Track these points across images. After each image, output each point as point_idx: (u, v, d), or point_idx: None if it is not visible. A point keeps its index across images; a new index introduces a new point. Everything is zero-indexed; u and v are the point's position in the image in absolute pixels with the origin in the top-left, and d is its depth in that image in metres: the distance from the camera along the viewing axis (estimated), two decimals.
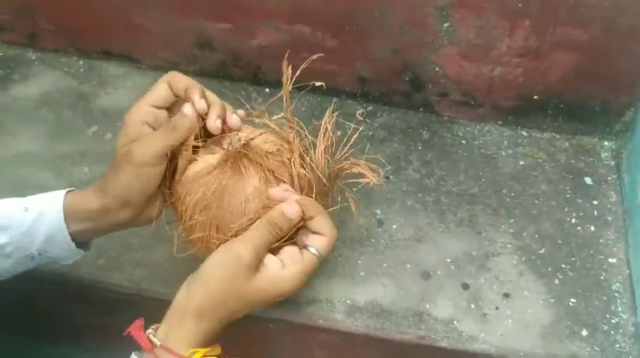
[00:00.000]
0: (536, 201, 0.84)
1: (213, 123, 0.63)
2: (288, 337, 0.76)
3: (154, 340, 0.58)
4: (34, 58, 0.99)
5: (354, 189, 0.71)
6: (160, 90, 0.64)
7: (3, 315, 0.86)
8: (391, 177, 0.86)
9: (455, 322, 0.72)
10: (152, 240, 0.77)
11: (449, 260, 0.77)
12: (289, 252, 0.62)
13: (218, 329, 0.60)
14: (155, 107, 0.63)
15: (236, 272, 0.59)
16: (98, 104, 0.93)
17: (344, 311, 0.72)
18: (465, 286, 0.75)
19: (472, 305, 0.73)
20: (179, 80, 0.63)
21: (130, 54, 0.98)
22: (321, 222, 0.63)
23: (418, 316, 0.72)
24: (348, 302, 0.73)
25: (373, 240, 0.79)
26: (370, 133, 0.91)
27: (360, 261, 0.77)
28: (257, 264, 0.60)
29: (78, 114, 0.91)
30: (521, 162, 0.88)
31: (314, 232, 0.63)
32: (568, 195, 0.85)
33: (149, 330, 0.59)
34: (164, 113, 0.64)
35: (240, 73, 0.95)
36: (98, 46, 0.98)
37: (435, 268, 0.76)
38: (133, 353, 0.59)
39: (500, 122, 0.92)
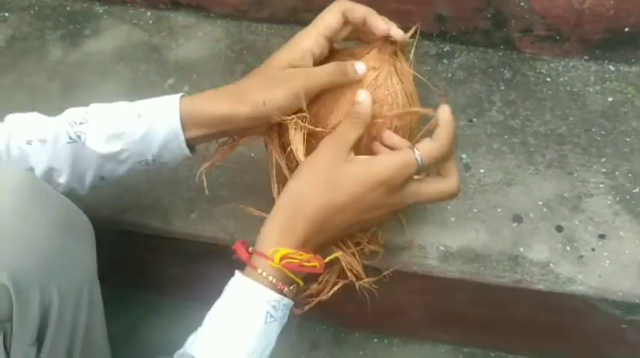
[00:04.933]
0: (627, 139, 0.81)
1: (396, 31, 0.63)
2: (381, 284, 0.76)
3: (250, 249, 0.59)
4: (101, 11, 0.99)
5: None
6: (332, 20, 0.63)
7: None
8: (474, 119, 0.84)
9: (551, 265, 0.71)
10: (241, 191, 0.78)
11: (540, 202, 0.76)
12: (387, 151, 0.61)
13: (309, 232, 0.58)
14: (324, 37, 0.63)
15: (317, 161, 0.59)
16: (171, 56, 0.92)
17: (437, 257, 0.72)
18: (559, 228, 0.74)
19: (567, 248, 0.72)
20: (355, 9, 0.63)
21: (198, 2, 0.96)
22: (437, 133, 0.60)
23: (513, 260, 0.72)
24: (441, 248, 0.73)
25: (461, 186, 0.77)
26: (449, 75, 0.88)
27: (449, 207, 0.76)
28: (344, 153, 0.59)
29: (152, 68, 0.91)
30: (610, 99, 0.85)
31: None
32: None
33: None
34: (327, 44, 0.64)
35: (311, 18, 0.91)
36: None
37: (526, 211, 0.75)
38: (236, 271, 0.59)
39: (586, 57, 0.88)
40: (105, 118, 0.63)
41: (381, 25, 0.62)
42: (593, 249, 0.72)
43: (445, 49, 0.91)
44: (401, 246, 0.73)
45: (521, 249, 0.73)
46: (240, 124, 0.63)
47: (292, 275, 0.58)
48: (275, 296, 0.57)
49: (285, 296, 0.58)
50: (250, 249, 0.60)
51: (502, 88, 0.87)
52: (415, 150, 0.58)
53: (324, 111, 0.63)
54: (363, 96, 0.61)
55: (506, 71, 0.88)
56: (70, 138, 0.62)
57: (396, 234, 0.74)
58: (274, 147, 0.65)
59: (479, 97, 0.86)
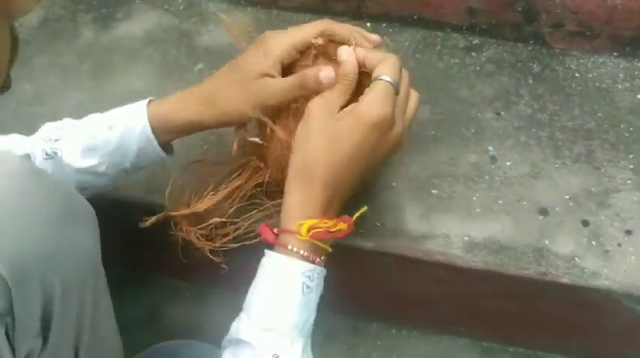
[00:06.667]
0: None
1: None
2: (403, 272, 0.77)
3: (275, 230, 0.60)
4: None
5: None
6: (311, 37, 0.62)
7: (116, 249, 0.90)
8: (502, 112, 0.84)
9: (576, 258, 0.71)
10: None
11: (567, 196, 0.76)
12: (364, 92, 0.60)
13: (327, 193, 0.59)
14: (296, 49, 0.63)
15: (313, 123, 0.59)
16: (201, 42, 0.93)
17: (462, 247, 0.73)
18: (585, 223, 0.74)
19: (593, 242, 0.72)
20: (338, 32, 0.63)
21: None
22: (378, 57, 0.61)
23: (538, 252, 0.72)
24: (466, 238, 0.73)
25: (487, 177, 0.78)
26: (477, 68, 0.88)
27: (474, 198, 0.76)
28: (334, 111, 0.59)
29: (182, 53, 0.92)
30: (639, 96, 0.85)
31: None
32: None
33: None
34: (297, 55, 0.63)
35: (341, 7, 0.93)
36: None
37: (552, 205, 0.75)
38: (265, 251, 0.61)
39: (615, 54, 0.87)
40: (78, 133, 0.65)
41: (372, 58, 0.62)
42: (619, 244, 0.72)
43: (474, 42, 0.91)
44: (424, 234, 0.73)
45: (547, 242, 0.72)
46: (209, 127, 0.66)
47: (321, 244, 0.59)
48: (308, 266, 0.58)
49: (318, 265, 0.59)
50: (275, 230, 0.61)
51: (530, 82, 0.87)
52: (381, 77, 0.59)
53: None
54: (345, 54, 0.60)
55: (535, 65, 0.88)
56: (47, 154, 0.64)
57: (418, 223, 0.74)
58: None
59: (507, 91, 0.86)
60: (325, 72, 0.61)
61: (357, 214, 0.62)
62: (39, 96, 0.87)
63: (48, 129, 0.66)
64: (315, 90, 0.61)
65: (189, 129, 0.66)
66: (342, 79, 0.60)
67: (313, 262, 0.59)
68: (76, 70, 0.90)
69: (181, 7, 0.98)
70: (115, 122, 0.65)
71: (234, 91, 0.63)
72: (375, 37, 0.65)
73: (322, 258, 0.60)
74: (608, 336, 0.79)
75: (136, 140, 0.64)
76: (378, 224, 0.74)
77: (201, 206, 0.68)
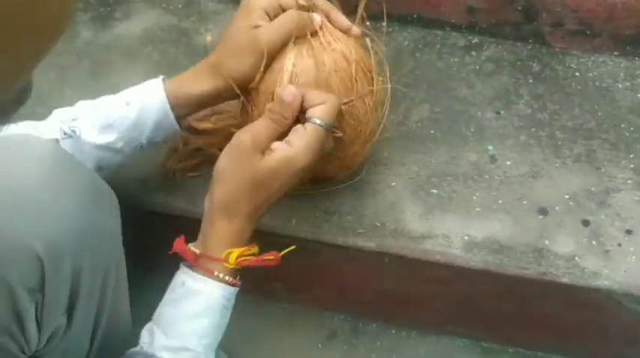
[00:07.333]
0: None
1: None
2: (403, 272, 0.77)
3: (195, 250, 0.60)
4: None
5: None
6: None
7: None
8: (502, 112, 0.83)
9: (576, 258, 0.71)
10: None
11: (567, 196, 0.75)
12: (294, 131, 0.61)
13: (249, 226, 0.61)
14: (278, 3, 0.64)
15: (240, 159, 0.60)
16: (200, 41, 0.93)
17: (461, 246, 0.72)
18: (585, 222, 0.73)
19: (593, 242, 0.72)
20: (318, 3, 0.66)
21: None
22: (319, 97, 0.61)
23: (538, 252, 0.71)
24: (466, 237, 0.73)
25: (487, 176, 0.78)
26: (477, 67, 0.88)
27: (474, 197, 0.76)
28: (261, 148, 0.60)
29: (181, 52, 0.91)
30: (639, 95, 0.84)
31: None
32: None
33: (190, 244, 0.61)
34: (280, 11, 0.65)
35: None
36: None
37: (552, 204, 0.75)
38: (181, 265, 0.61)
39: (616, 53, 0.87)
40: (95, 111, 0.65)
41: (343, 20, 0.68)
42: (619, 244, 0.72)
43: (474, 41, 0.91)
44: (424, 234, 0.73)
45: (547, 242, 0.72)
46: (224, 97, 0.67)
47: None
48: (230, 290, 0.60)
49: (236, 286, 0.61)
50: (197, 252, 0.60)
51: (530, 81, 0.86)
52: (317, 121, 0.60)
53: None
54: (290, 96, 0.60)
55: (534, 65, 0.88)
56: (65, 133, 0.65)
57: (418, 223, 0.74)
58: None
59: (507, 90, 0.85)
60: (316, 15, 0.65)
61: (285, 251, 0.62)
62: (38, 95, 0.85)
63: (62, 112, 0.67)
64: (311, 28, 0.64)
65: (205, 102, 0.67)
66: (280, 120, 0.61)
67: (235, 284, 0.60)
68: (74, 70, 0.90)
69: (180, 6, 0.97)
70: (132, 98, 0.66)
71: (232, 51, 0.64)
72: (354, 30, 0.69)
73: (238, 277, 0.61)
74: (609, 336, 0.78)
75: (153, 114, 0.65)
76: (378, 224, 0.74)
77: (200, 124, 0.73)
